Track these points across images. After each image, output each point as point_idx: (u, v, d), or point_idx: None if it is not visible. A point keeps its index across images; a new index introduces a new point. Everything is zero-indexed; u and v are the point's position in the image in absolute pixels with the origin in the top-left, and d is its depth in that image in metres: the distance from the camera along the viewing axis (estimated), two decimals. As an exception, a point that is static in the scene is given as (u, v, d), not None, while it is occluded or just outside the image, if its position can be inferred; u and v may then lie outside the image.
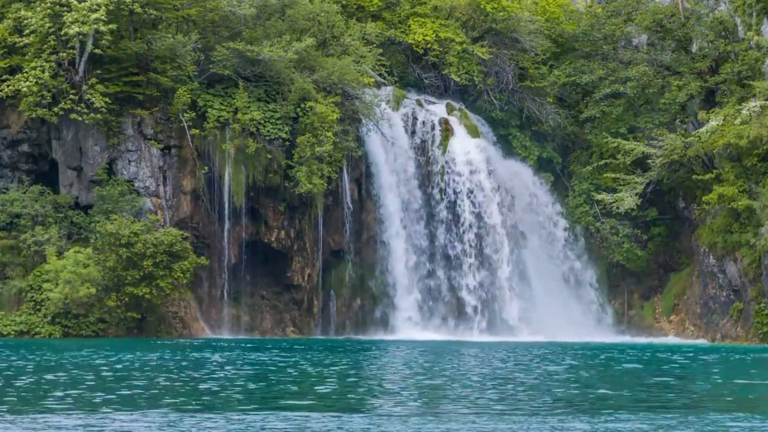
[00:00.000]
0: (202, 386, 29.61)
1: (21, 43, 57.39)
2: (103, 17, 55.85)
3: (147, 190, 58.00)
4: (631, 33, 65.92)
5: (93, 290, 53.76)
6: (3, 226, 57.18)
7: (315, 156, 58.22)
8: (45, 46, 56.92)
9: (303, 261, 60.98)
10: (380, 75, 65.42)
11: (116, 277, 54.69)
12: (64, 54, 56.82)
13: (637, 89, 63.49)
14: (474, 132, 64.98)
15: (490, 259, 62.46)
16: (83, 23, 55.68)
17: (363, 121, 61.89)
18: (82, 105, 56.74)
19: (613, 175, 61.60)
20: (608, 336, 61.17)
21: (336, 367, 36.26)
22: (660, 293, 64.18)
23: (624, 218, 62.59)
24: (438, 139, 63.84)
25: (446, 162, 63.35)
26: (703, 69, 62.75)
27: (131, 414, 23.12)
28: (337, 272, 62.16)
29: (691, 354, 46.94)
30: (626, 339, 60.65)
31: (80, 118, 56.68)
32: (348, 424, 21.71)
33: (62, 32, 56.14)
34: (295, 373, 33.85)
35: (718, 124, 57.79)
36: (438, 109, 65.55)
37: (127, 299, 54.96)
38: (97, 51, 56.81)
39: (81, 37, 56.22)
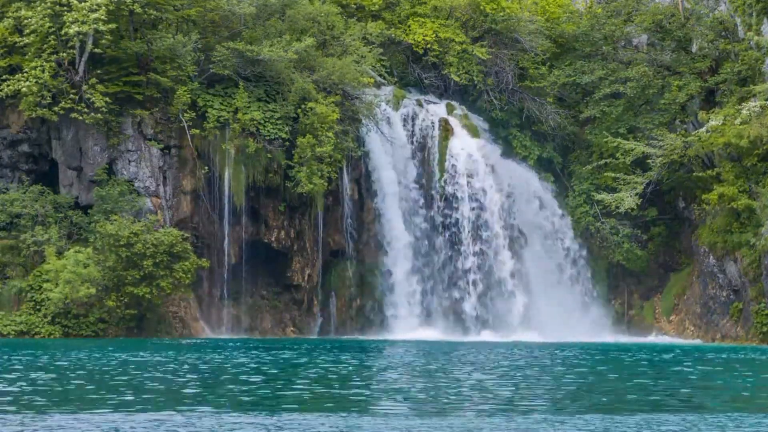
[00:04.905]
0: (203, 386, 29.62)
1: (21, 43, 57.43)
2: (103, 17, 55.88)
3: (147, 190, 58.00)
4: (631, 33, 65.92)
5: (93, 290, 53.78)
6: (3, 226, 57.18)
7: (315, 156, 58.24)
8: (45, 45, 56.93)
9: (303, 261, 61.01)
10: (380, 75, 65.43)
11: (116, 277, 54.71)
12: (64, 54, 56.82)
13: (637, 89, 63.49)
14: (474, 132, 65.01)
15: (490, 259, 62.50)
16: (83, 23, 55.69)
17: (363, 121, 61.91)
18: (82, 105, 56.76)
19: (613, 175, 61.62)
20: (608, 336, 61.19)
21: (336, 368, 36.26)
22: (660, 293, 64.18)
23: (624, 218, 62.61)
24: (438, 139, 63.86)
25: (446, 162, 63.35)
26: (703, 69, 62.77)
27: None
28: (337, 272, 62.16)
29: (693, 354, 46.94)
30: (626, 339, 60.65)
31: (80, 118, 56.70)
32: (349, 425, 21.72)
33: (62, 32, 56.15)
34: (296, 373, 33.84)
35: (718, 124, 57.82)
36: (438, 109, 65.57)
37: (127, 299, 54.98)
38: (97, 51, 56.84)
39: (81, 36, 56.24)
